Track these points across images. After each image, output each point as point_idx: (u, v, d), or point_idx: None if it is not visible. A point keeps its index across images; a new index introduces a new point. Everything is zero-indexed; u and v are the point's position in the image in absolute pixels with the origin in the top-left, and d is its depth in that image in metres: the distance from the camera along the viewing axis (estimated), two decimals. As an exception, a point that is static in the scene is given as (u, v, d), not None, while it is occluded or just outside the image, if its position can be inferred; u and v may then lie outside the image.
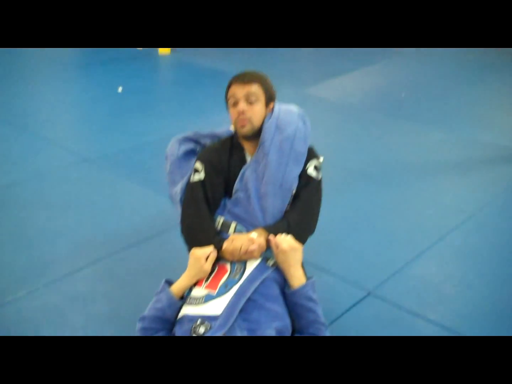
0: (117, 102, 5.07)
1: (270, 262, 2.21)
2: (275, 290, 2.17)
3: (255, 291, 2.11)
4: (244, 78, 2.29)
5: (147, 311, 2.18)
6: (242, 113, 2.26)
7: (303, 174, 2.33)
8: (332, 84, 5.63)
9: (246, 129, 2.29)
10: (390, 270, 2.84)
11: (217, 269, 2.21)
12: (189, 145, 2.59)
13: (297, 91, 5.36)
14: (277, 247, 2.16)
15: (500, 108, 5.15)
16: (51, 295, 2.64)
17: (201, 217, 2.29)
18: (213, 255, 2.19)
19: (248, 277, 2.14)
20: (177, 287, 2.18)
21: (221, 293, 2.10)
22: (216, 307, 2.05)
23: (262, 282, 2.14)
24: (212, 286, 2.14)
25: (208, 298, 2.09)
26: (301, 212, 2.31)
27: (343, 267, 2.86)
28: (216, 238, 2.25)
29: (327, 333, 2.12)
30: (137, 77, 5.73)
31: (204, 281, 2.17)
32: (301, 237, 2.28)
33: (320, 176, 2.39)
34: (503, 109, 5.13)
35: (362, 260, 2.93)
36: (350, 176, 3.82)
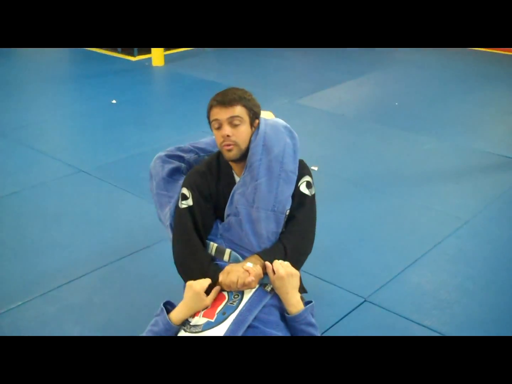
0: (111, 114, 5.08)
1: (268, 288, 2.16)
2: (275, 316, 2.13)
3: (255, 318, 2.07)
4: (225, 100, 2.17)
5: (145, 333, 2.14)
6: (227, 137, 2.17)
7: (296, 192, 2.26)
8: (325, 95, 5.65)
9: (233, 154, 2.20)
10: (386, 277, 2.85)
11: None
12: (174, 163, 2.52)
13: (291, 101, 5.38)
14: (274, 273, 2.11)
15: (494, 117, 5.18)
16: (47, 305, 2.63)
17: (193, 248, 2.22)
18: (216, 289, 2.14)
19: (246, 304, 2.09)
20: (175, 316, 2.11)
21: (219, 320, 2.05)
22: (215, 335, 2.00)
23: (261, 309, 2.10)
24: (209, 314, 2.09)
25: (206, 326, 2.04)
26: (297, 236, 2.25)
27: (339, 274, 2.87)
28: (212, 268, 2.18)
29: None
30: (131, 89, 5.74)
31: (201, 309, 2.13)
32: (298, 262, 2.25)
33: (313, 192, 2.32)
34: (497, 118, 5.16)
35: (358, 267, 2.93)
36: (344, 185, 3.83)
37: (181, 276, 2.29)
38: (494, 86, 5.94)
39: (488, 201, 3.61)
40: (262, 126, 2.26)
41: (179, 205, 2.29)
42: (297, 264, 2.21)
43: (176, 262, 2.29)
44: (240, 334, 1.99)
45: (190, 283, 2.14)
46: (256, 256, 2.19)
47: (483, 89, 5.84)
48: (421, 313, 2.61)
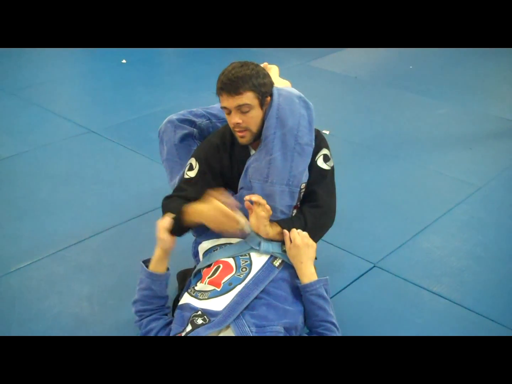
0: (121, 74, 5.03)
1: (277, 263, 2.14)
2: (284, 290, 2.09)
3: (262, 290, 2.04)
4: (232, 88, 2.06)
5: (136, 294, 2.16)
6: (237, 125, 2.12)
7: (314, 167, 2.22)
8: (338, 57, 5.56)
9: (246, 140, 2.17)
10: (396, 243, 2.83)
11: (222, 267, 2.14)
12: (186, 129, 2.47)
13: (303, 63, 5.30)
14: (291, 241, 2.11)
15: (509, 82, 5.09)
16: (56, 265, 2.64)
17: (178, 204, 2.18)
18: (167, 221, 2.10)
19: (253, 279, 2.06)
20: (152, 262, 2.15)
21: (224, 290, 2.03)
22: (218, 304, 1.99)
23: (269, 283, 2.07)
24: (215, 283, 2.07)
25: (212, 294, 2.03)
26: (320, 211, 2.22)
27: (349, 239, 2.85)
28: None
29: (338, 333, 2.05)
30: (141, 48, 5.66)
31: (207, 277, 2.11)
32: (317, 235, 2.23)
33: (331, 164, 2.27)
34: (512, 83, 5.08)
35: (368, 233, 2.92)
36: (356, 149, 3.79)
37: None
38: (510, 50, 5.82)
39: (501, 168, 3.56)
40: (275, 98, 2.18)
41: (184, 174, 2.28)
42: (315, 237, 2.19)
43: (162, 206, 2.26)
44: (243, 307, 1.97)
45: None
46: (274, 223, 2.18)
47: (500, 53, 5.72)
48: (431, 280, 2.59)
